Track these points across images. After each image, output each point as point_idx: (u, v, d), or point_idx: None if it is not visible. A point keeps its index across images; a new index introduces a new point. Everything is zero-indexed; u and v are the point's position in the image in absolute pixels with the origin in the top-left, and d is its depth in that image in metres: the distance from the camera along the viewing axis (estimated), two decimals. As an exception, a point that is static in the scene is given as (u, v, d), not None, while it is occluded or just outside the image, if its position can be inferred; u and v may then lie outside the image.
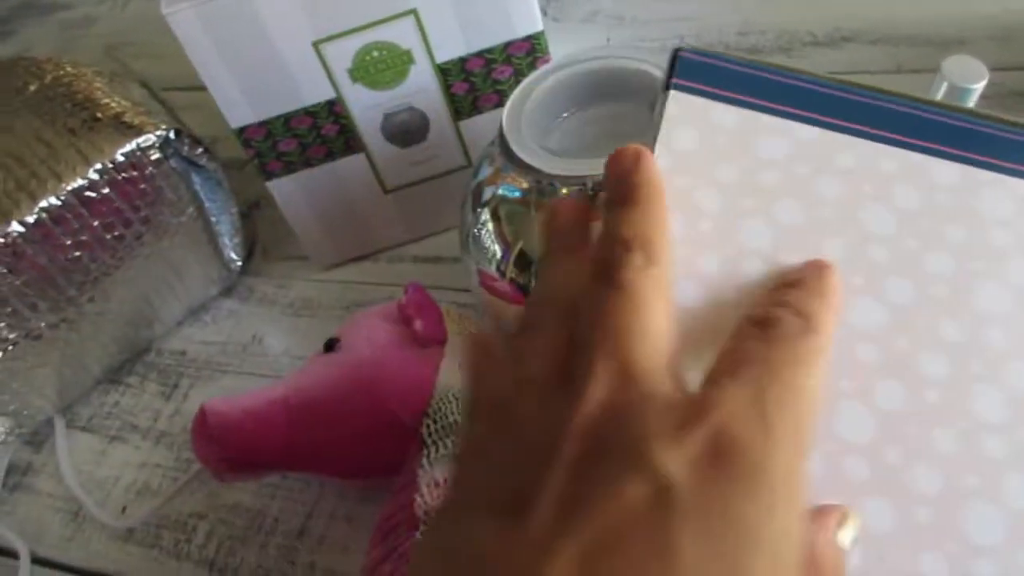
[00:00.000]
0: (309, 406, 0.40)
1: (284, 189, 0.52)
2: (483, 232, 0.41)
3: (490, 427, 0.19)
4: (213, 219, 0.54)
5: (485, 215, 0.41)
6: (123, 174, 0.48)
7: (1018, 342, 0.20)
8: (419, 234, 0.56)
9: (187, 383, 0.53)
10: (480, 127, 0.51)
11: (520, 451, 0.18)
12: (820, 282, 0.20)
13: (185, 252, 0.53)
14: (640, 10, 0.67)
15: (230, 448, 0.39)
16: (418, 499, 0.34)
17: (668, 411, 0.17)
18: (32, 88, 0.52)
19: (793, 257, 0.21)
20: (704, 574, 0.15)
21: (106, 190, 0.48)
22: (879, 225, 0.21)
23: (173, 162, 0.50)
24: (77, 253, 0.48)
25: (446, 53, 0.47)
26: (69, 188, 0.47)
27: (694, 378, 0.19)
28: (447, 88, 0.49)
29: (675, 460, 0.16)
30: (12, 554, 0.47)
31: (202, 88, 0.46)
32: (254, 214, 0.62)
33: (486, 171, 0.42)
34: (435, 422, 0.37)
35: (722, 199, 0.22)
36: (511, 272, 0.40)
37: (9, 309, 0.46)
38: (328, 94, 0.48)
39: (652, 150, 0.23)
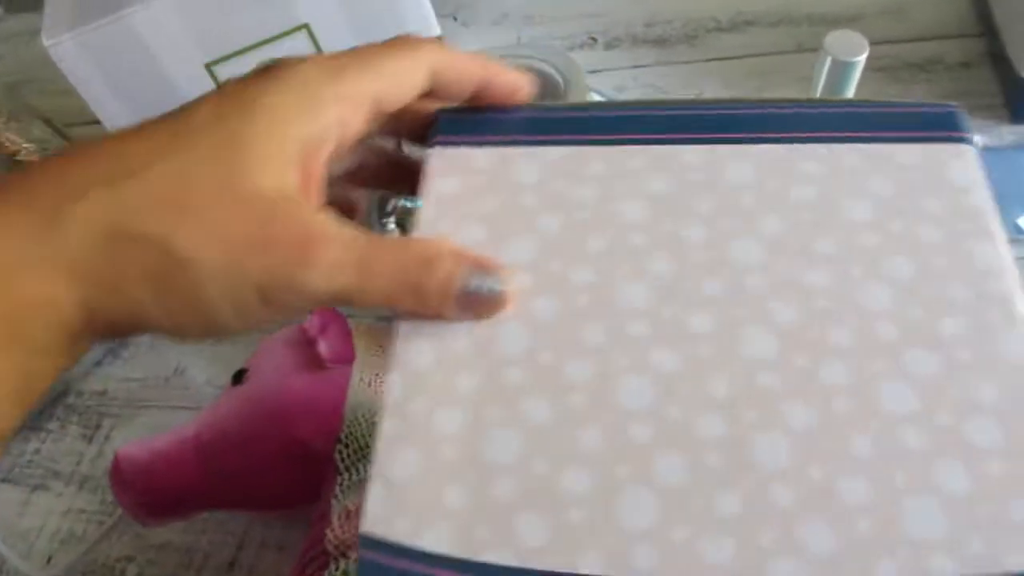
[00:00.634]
0: (219, 441, 0.39)
1: (193, 216, 0.50)
2: (391, 243, 0.41)
3: None
4: (124, 253, 0.53)
5: (391, 226, 0.41)
6: (20, 214, 0.46)
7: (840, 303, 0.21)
8: (337, 250, 0.55)
9: (109, 423, 0.52)
10: (387, 137, 0.50)
11: None
12: None
13: (96, 289, 0.51)
14: (549, 8, 0.68)
15: (146, 493, 0.38)
16: (328, 533, 0.33)
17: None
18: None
19: (559, 262, 0.22)
20: (208, 132, 0.21)
21: (3, 232, 0.46)
22: (633, 214, 0.23)
23: (73, 198, 0.48)
24: (-23, 300, 0.46)
25: (343, 66, 0.47)
26: (-38, 233, 0.45)
27: None
28: (349, 101, 0.48)
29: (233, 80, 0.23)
30: (-66, 618, 0.45)
31: (96, 120, 0.45)
32: (171, 244, 0.61)
33: (388, 181, 0.41)
34: (347, 447, 0.35)
35: (487, 228, 0.23)
36: (423, 281, 0.40)
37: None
38: (226, 116, 0.47)
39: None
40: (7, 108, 0.57)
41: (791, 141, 0.24)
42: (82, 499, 0.48)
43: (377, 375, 0.39)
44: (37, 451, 0.52)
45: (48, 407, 0.53)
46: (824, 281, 0.21)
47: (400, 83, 0.23)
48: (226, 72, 0.45)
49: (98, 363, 0.55)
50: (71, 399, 0.54)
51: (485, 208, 0.24)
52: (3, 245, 0.20)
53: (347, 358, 0.39)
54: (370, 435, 0.36)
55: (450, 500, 0.19)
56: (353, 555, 0.31)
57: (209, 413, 0.39)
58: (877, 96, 0.32)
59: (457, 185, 0.24)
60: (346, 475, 0.34)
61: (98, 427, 0.52)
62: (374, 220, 0.42)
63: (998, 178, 0.46)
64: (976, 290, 0.21)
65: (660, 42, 0.62)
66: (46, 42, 0.42)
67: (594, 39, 0.64)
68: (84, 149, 0.22)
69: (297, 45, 0.45)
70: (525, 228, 0.23)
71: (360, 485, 0.34)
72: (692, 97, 0.25)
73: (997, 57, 0.50)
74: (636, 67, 0.61)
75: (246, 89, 0.22)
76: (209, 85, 0.45)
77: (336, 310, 0.41)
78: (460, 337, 0.21)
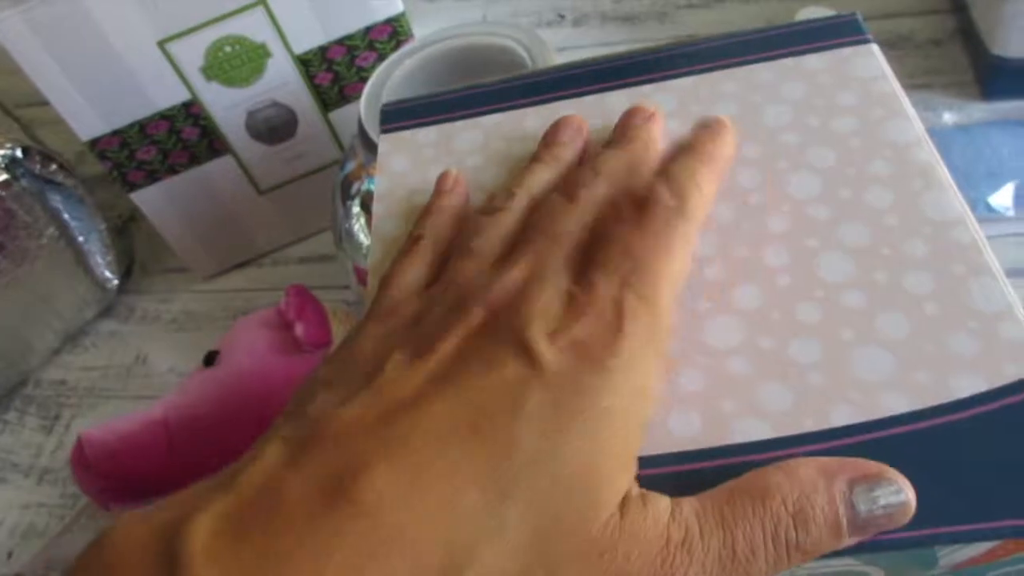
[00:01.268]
0: (191, 424, 0.38)
1: (150, 199, 0.49)
2: (355, 227, 0.40)
3: (436, 274, 0.22)
4: (80, 238, 0.51)
5: (355, 209, 0.40)
6: (-33, 200, 0.45)
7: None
8: (301, 234, 0.54)
9: (69, 414, 0.50)
10: (351, 117, 0.49)
11: (446, 302, 0.20)
12: (712, 144, 0.23)
13: (51, 276, 0.50)
14: (516, -16, 0.66)
15: (111, 476, 0.37)
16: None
17: (556, 302, 0.19)
18: None
19: None
20: (540, 420, 0.17)
21: (-50, 219, 0.44)
22: None
23: (24, 182, 0.47)
24: (-75, 289, 0.44)
25: (304, 43, 0.45)
26: (-94, 220, 0.43)
27: None
28: (310, 79, 0.47)
29: (549, 348, 0.18)
30: None
31: (44, 101, 0.43)
32: (131, 229, 0.59)
33: (351, 164, 0.40)
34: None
35: None
36: (389, 265, 0.39)
37: None
38: (182, 95, 0.45)
39: None
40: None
41: (707, 71, 0.26)
42: (42, 492, 0.47)
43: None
44: (-6, 446, 0.50)
45: (5, 398, 0.52)
46: (755, 180, 0.23)
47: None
48: (180, 50, 0.43)
49: (57, 351, 0.53)
50: (29, 389, 0.52)
51: (433, 175, 0.25)
52: None
53: (324, 341, 0.38)
54: None
55: None
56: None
57: (178, 395, 0.38)
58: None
59: (406, 162, 0.27)
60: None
61: (57, 418, 0.50)
62: (337, 203, 0.41)
63: (968, 156, 0.46)
64: (896, 163, 0.22)
65: (629, 19, 0.61)
66: (-11, 19, 0.40)
67: (562, 16, 0.63)
68: None
69: (254, 21, 0.43)
70: (474, 186, 0.25)
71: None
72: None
73: (967, 34, 0.50)
74: (605, 44, 0.60)
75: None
76: (163, 64, 0.43)
77: (311, 293, 0.40)
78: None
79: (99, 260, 0.53)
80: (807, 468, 0.17)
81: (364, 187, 0.39)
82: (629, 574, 0.16)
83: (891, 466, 0.17)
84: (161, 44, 0.43)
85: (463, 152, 0.26)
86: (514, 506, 0.16)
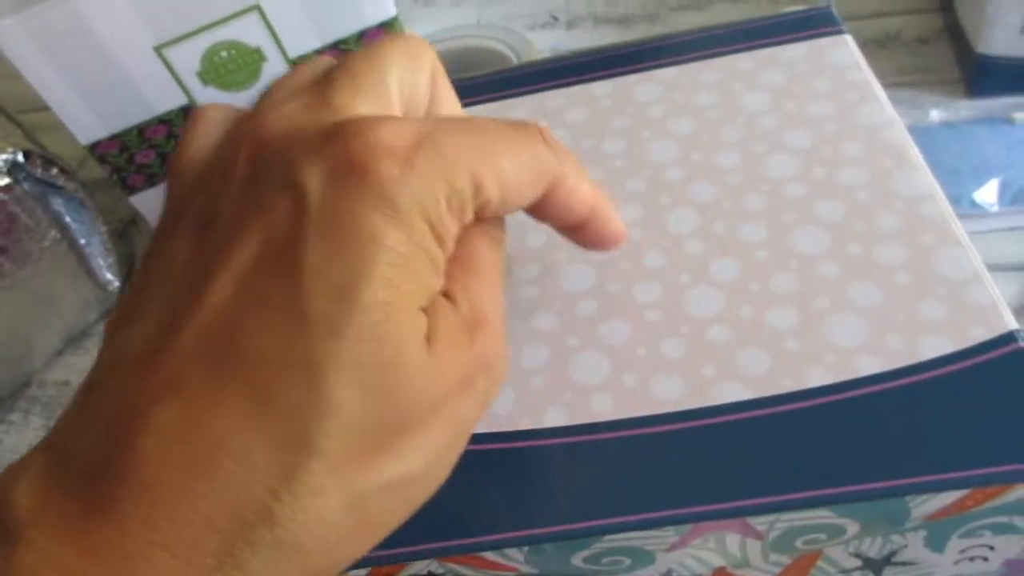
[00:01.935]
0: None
1: (150, 203, 0.50)
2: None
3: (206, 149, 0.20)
4: (82, 241, 0.52)
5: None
6: (-30, 204, 0.46)
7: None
8: (299, 235, 0.54)
9: (71, 413, 0.51)
10: (345, 120, 0.50)
11: (213, 170, 0.18)
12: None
13: (54, 278, 0.51)
14: (510, -13, 0.67)
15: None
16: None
17: (322, 129, 0.17)
18: None
19: None
20: (324, 274, 0.16)
21: (-47, 222, 0.45)
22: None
23: (26, 185, 0.48)
24: (-71, 292, 0.45)
25: (298, 48, 0.46)
26: (-89, 224, 0.44)
27: None
28: (305, 83, 0.47)
29: (314, 174, 0.16)
30: None
31: (45, 106, 0.44)
32: (132, 231, 0.60)
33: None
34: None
35: None
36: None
37: None
38: (180, 100, 0.46)
39: None
40: (-43, 95, 0.56)
41: (690, 61, 0.27)
42: (44, 491, 0.48)
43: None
44: (-2, 443, 0.51)
45: (9, 399, 0.53)
46: (734, 161, 0.24)
47: (514, 196, 0.19)
48: (177, 56, 0.44)
49: (59, 353, 0.54)
50: (33, 390, 0.53)
51: None
52: None
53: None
54: None
55: None
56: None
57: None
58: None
59: None
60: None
61: (60, 418, 0.51)
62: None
63: (954, 152, 0.47)
64: (868, 144, 0.24)
65: (622, 21, 0.62)
66: (-10, 27, 0.41)
67: (555, 18, 0.63)
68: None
69: (248, 26, 0.44)
70: None
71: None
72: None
73: (953, 32, 0.50)
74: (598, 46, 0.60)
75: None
76: (160, 69, 0.44)
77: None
78: None
79: (100, 263, 0.53)
80: None
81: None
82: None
83: (864, 423, 0.18)
84: (158, 49, 0.44)
85: None
86: (333, 377, 0.15)
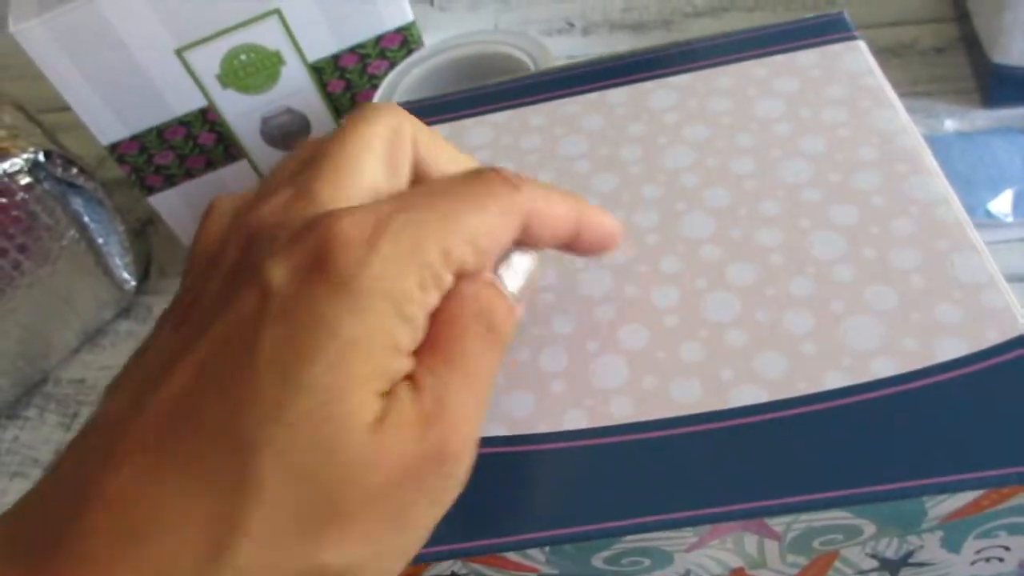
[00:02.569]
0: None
1: (168, 203, 0.50)
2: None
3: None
4: (100, 240, 0.52)
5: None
6: (-8, 202, 0.46)
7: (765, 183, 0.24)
8: (314, 237, 0.55)
9: (87, 411, 0.52)
10: (362, 124, 0.50)
11: (211, 261, 0.19)
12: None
13: (72, 277, 0.51)
14: (526, -7, 0.67)
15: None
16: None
17: (297, 226, 0.18)
18: None
19: None
20: (275, 360, 0.16)
21: (-25, 221, 0.46)
22: (573, 149, 0.27)
23: (46, 185, 0.48)
24: (-50, 289, 0.46)
25: (317, 52, 0.47)
26: (-67, 222, 0.45)
27: None
28: (323, 87, 0.48)
29: (279, 269, 0.17)
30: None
31: (66, 107, 0.45)
32: (148, 232, 0.60)
33: (361, 168, 0.41)
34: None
35: None
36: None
37: None
38: (199, 102, 0.46)
39: None
40: (-22, 95, 0.56)
41: (704, 68, 0.27)
42: (60, 487, 0.48)
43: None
44: (15, 439, 0.52)
45: (25, 395, 0.53)
46: (749, 167, 0.24)
47: (489, 247, 0.18)
48: (197, 58, 0.45)
49: (76, 351, 0.55)
50: (49, 387, 0.54)
51: None
52: None
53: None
54: None
55: None
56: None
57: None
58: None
59: None
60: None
61: (76, 415, 0.52)
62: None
63: (969, 162, 0.47)
64: (883, 149, 0.24)
65: (637, 27, 0.62)
66: (13, 27, 0.42)
67: (571, 24, 0.64)
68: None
69: (268, 30, 0.45)
70: None
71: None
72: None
73: (970, 42, 0.50)
74: (613, 52, 0.61)
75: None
76: (180, 71, 0.45)
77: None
78: None
79: (118, 262, 0.54)
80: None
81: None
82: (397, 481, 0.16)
83: (880, 424, 0.18)
84: (179, 52, 0.44)
85: (474, 147, 0.28)
86: (264, 460, 0.15)
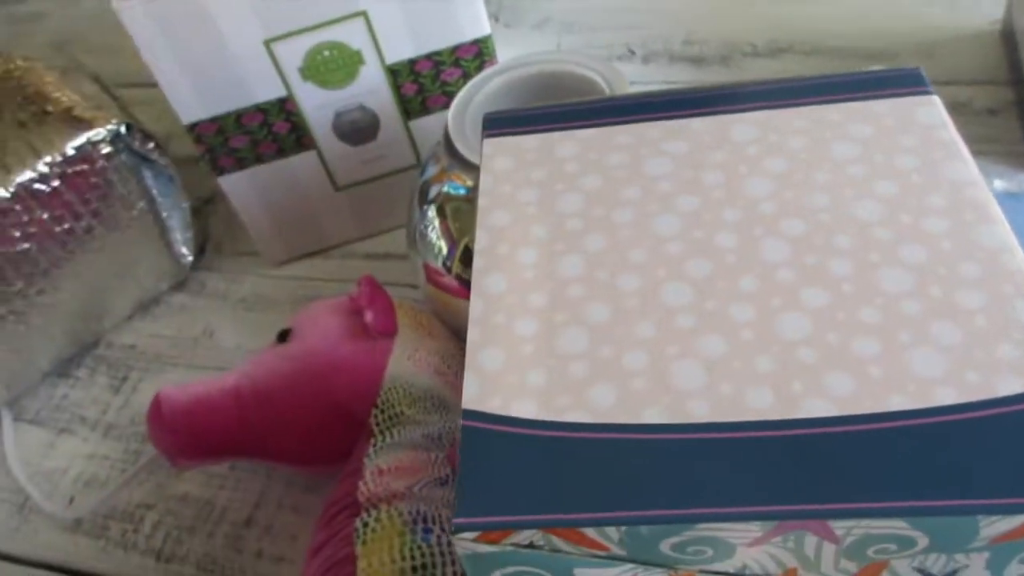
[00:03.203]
0: (260, 395, 0.41)
1: (235, 185, 0.52)
2: (430, 229, 0.43)
3: None
4: (164, 214, 0.55)
5: (431, 212, 0.43)
6: (73, 168, 0.48)
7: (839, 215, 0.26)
8: (370, 231, 0.57)
9: (136, 376, 0.54)
10: (429, 127, 0.52)
11: None
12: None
13: (136, 246, 0.53)
14: (590, 18, 0.69)
15: (182, 434, 0.40)
16: (362, 486, 0.35)
17: None
18: (-19, 81, 0.52)
19: (602, 208, 0.27)
20: None
21: (56, 183, 0.48)
22: (658, 169, 0.28)
23: (124, 156, 0.50)
24: (26, 245, 0.48)
25: (396, 54, 0.49)
26: (18, 181, 0.47)
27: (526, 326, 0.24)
28: (397, 88, 0.50)
29: None
30: (-45, 546, 0.47)
31: (155, 85, 0.47)
32: (207, 210, 0.63)
33: (432, 169, 0.43)
34: (382, 412, 0.38)
35: (539, 189, 0.28)
36: (457, 268, 0.42)
37: (-45, 300, 0.46)
38: (279, 92, 0.49)
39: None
40: (59, 65, 0.59)
41: (781, 107, 0.29)
42: (106, 446, 0.50)
43: (416, 350, 0.41)
44: (65, 396, 0.54)
45: (78, 355, 0.55)
46: (824, 202, 0.26)
47: None
48: (283, 51, 0.47)
49: (129, 317, 0.57)
50: (101, 350, 0.56)
51: (535, 176, 0.29)
52: None
53: (390, 330, 0.41)
54: (405, 404, 0.38)
55: (532, 381, 0.23)
56: (384, 506, 0.33)
57: (252, 366, 0.41)
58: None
59: (510, 162, 0.29)
60: (379, 438, 0.36)
61: (125, 379, 0.54)
62: (414, 206, 0.44)
63: (1016, 220, 0.48)
64: (952, 199, 0.25)
65: (696, 60, 0.64)
66: (115, 4, 0.44)
67: (632, 51, 0.66)
68: None
69: (353, 30, 0.47)
70: (570, 187, 0.28)
71: (391, 448, 0.36)
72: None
73: (1023, 106, 0.52)
74: (670, 83, 0.62)
75: None
76: (266, 61, 0.47)
77: (381, 286, 0.43)
78: (527, 269, 0.26)
79: (178, 236, 0.56)
80: None
81: (444, 190, 0.42)
82: None
83: (942, 447, 0.20)
84: (267, 43, 0.46)
85: (562, 158, 0.29)
86: None
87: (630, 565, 0.21)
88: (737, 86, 0.30)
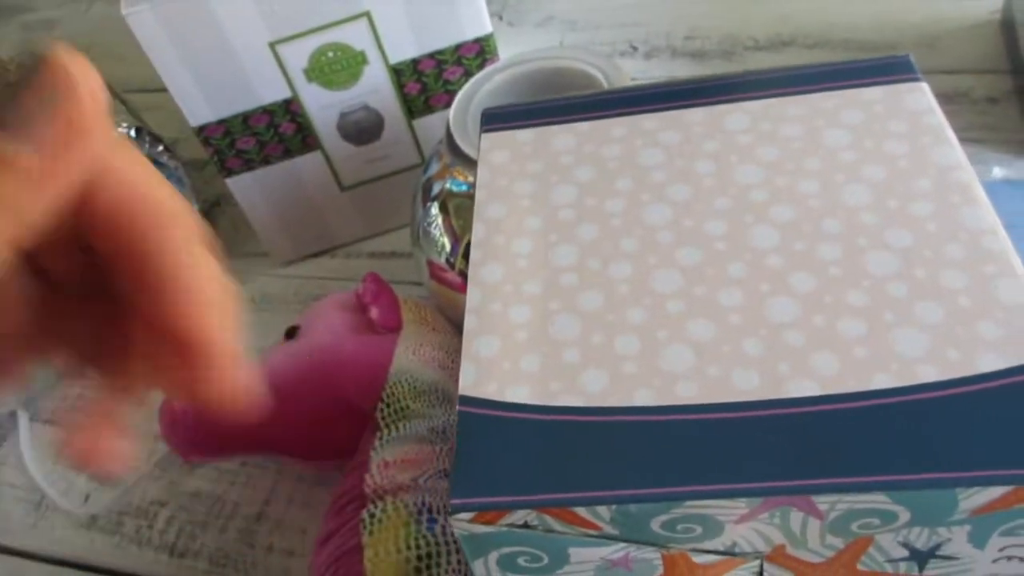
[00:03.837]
0: (270, 390, 0.41)
1: (243, 186, 0.53)
2: (433, 225, 0.43)
3: None
4: (174, 216, 0.55)
5: (435, 209, 0.43)
6: (84, 171, 0.49)
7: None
8: (375, 230, 0.58)
9: (149, 376, 0.54)
10: (433, 126, 0.53)
11: None
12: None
13: (146, 248, 0.54)
14: (592, 15, 0.70)
15: (193, 431, 0.41)
16: (368, 478, 0.36)
17: None
18: (-6, 88, 0.53)
19: (595, 199, 0.28)
20: None
21: (67, 187, 0.49)
22: (651, 159, 0.29)
23: (134, 160, 0.51)
24: (39, 248, 0.49)
25: (399, 54, 0.49)
26: (31, 184, 0.48)
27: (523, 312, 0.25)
28: (400, 88, 0.51)
29: None
30: (-25, 543, 0.48)
31: (163, 90, 0.48)
32: (215, 212, 0.64)
33: (435, 166, 0.44)
34: (388, 406, 0.38)
35: (535, 181, 0.29)
36: (460, 264, 0.43)
37: (-29, 303, 0.47)
38: (285, 93, 0.49)
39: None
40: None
41: (776, 96, 0.30)
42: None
43: (421, 345, 0.41)
44: (80, 396, 0.55)
45: (91, 356, 0.56)
46: (814, 188, 0.26)
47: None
48: (288, 52, 0.48)
49: (141, 319, 0.58)
50: (113, 351, 0.57)
51: (531, 169, 0.29)
52: None
53: (395, 325, 0.41)
54: (410, 398, 0.39)
55: (526, 367, 0.24)
56: (390, 498, 0.34)
57: (260, 364, 0.42)
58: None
59: (507, 156, 0.30)
60: (385, 431, 0.37)
61: (137, 379, 0.54)
62: (418, 204, 0.45)
63: (1014, 207, 0.49)
64: (938, 181, 0.26)
65: (698, 55, 0.64)
66: (124, 11, 0.45)
67: (634, 47, 0.66)
68: None
69: (356, 31, 0.48)
70: (565, 179, 0.29)
71: (397, 441, 0.37)
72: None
73: (1023, 94, 0.52)
74: (672, 78, 0.63)
75: None
76: (271, 63, 0.48)
77: (386, 283, 0.43)
78: (522, 258, 0.26)
79: (188, 238, 0.57)
80: None
81: (446, 187, 0.43)
82: None
83: (923, 423, 0.20)
84: (272, 45, 0.47)
85: (557, 151, 0.30)
86: None
87: (623, 544, 0.21)
88: (732, 76, 0.31)
